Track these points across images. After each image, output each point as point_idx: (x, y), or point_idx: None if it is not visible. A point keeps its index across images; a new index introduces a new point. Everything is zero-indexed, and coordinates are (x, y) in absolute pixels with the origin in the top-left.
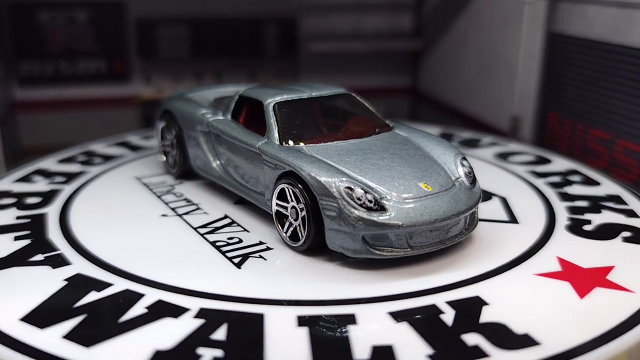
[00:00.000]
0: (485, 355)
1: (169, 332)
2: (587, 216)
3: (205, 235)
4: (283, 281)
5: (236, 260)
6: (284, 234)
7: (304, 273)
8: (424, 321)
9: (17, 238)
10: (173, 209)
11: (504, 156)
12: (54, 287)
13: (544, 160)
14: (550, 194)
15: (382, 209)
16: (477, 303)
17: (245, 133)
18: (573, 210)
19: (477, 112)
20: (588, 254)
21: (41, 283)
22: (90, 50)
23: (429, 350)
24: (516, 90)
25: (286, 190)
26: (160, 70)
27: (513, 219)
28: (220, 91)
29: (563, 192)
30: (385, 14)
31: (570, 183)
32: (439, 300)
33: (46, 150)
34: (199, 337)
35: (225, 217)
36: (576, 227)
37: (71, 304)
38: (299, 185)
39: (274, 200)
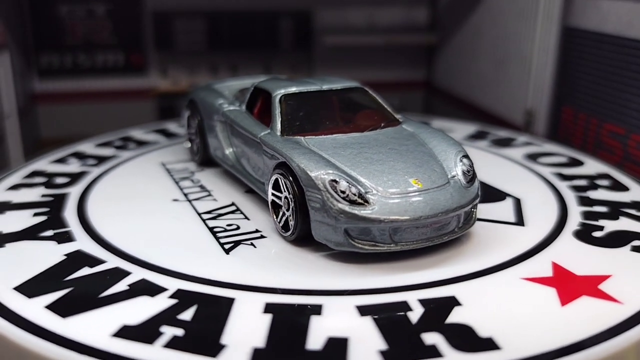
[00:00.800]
0: (439, 355)
1: (142, 309)
2: (601, 222)
3: (207, 221)
4: (264, 269)
5: (227, 247)
6: (277, 224)
7: (288, 262)
8: (388, 317)
9: (35, 214)
10: (185, 195)
11: (534, 157)
12: (53, 260)
13: (575, 163)
14: (570, 197)
15: (365, 202)
16: (450, 303)
17: (252, 123)
18: (588, 215)
19: (491, 106)
20: (588, 261)
21: (43, 256)
22: (109, 42)
23: (383, 346)
24: (530, 85)
25: (279, 180)
26: (177, 63)
27: (520, 221)
28: (247, 82)
29: (585, 196)
30: (400, 7)
31: (596, 187)
32: (412, 297)
33: (64, 142)
34: (167, 316)
35: (232, 204)
36: (585, 233)
37: (62, 277)
38: (290, 177)
39: (270, 190)
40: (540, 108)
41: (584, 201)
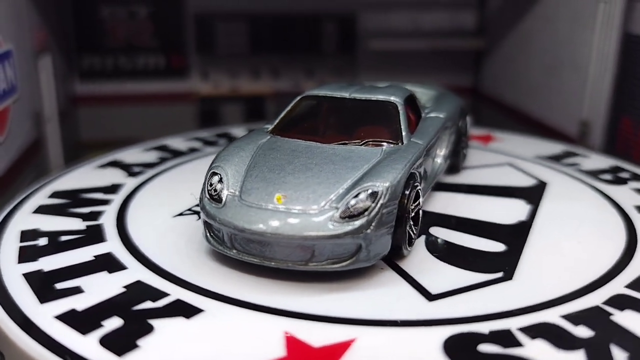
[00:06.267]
0: None
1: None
2: None
3: None
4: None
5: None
6: None
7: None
8: None
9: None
10: None
11: None
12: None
13: None
14: None
15: (219, 200)
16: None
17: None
18: None
19: (542, 115)
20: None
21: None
22: (150, 45)
23: None
24: (586, 94)
25: None
26: (218, 66)
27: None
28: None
29: None
30: (446, 10)
31: None
32: None
33: (105, 145)
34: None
35: None
36: None
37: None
38: None
39: None
40: (596, 119)
41: None
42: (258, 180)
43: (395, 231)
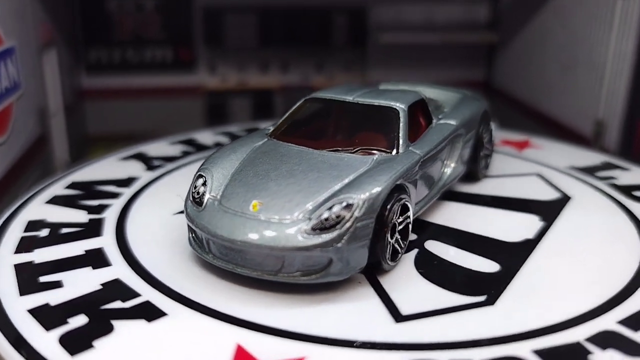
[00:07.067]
0: None
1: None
2: None
3: None
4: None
5: None
6: None
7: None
8: None
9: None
10: None
11: None
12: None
13: None
14: None
15: (200, 203)
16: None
17: None
18: None
19: (556, 113)
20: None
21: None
22: (158, 38)
23: None
24: (603, 93)
25: None
26: (226, 59)
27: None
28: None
29: None
30: (459, 3)
31: None
32: None
33: (112, 138)
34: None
35: None
36: None
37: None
38: None
39: None
40: (612, 119)
41: None
42: (240, 185)
43: (374, 245)
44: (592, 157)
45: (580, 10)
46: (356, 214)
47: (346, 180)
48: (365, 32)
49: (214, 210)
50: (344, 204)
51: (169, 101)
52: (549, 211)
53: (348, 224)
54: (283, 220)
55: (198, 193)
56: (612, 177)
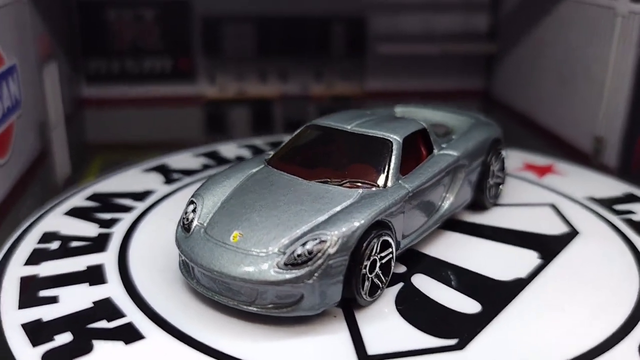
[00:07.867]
0: None
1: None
2: None
3: None
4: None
5: None
6: None
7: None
8: None
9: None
10: None
11: None
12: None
13: None
14: None
15: (188, 229)
16: None
17: None
18: None
19: (555, 126)
20: None
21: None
22: (157, 48)
23: None
24: (602, 109)
25: None
26: (225, 69)
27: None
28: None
29: None
30: (458, 13)
31: None
32: None
33: (111, 148)
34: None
35: None
36: None
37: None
38: None
39: None
40: (611, 136)
41: None
42: (225, 214)
43: (350, 281)
44: (615, 188)
45: (579, 24)
46: (330, 250)
47: (326, 215)
48: (364, 41)
49: (198, 238)
50: (317, 240)
51: (168, 111)
52: (550, 248)
53: (320, 261)
54: (260, 254)
55: (187, 219)
56: (630, 212)
